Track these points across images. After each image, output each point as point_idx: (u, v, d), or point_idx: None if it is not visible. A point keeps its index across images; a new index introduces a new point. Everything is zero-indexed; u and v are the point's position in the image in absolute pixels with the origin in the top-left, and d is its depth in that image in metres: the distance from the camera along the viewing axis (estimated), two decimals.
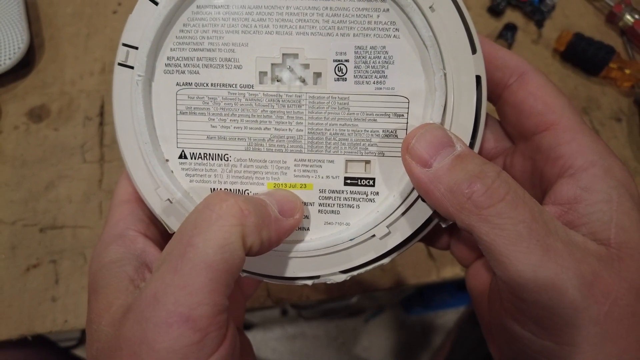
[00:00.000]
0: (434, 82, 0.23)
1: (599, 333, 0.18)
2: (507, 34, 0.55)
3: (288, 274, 0.25)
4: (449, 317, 1.48)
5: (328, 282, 0.25)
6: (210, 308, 0.18)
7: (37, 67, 0.53)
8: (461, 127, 0.23)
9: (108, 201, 0.47)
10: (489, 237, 0.19)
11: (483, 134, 0.24)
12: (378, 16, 0.24)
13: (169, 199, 0.24)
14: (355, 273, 0.25)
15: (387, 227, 0.24)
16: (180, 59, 0.25)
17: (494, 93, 0.24)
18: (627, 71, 0.54)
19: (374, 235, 0.24)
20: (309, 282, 0.25)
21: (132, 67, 0.24)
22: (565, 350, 0.18)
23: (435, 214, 0.24)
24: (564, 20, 0.59)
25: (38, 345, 0.53)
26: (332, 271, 0.25)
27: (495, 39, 0.56)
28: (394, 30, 0.24)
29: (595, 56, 0.54)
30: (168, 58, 0.25)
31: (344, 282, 0.25)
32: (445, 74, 0.23)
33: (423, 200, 0.23)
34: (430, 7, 0.23)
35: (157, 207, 0.24)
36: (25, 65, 0.53)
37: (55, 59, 0.54)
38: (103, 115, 0.51)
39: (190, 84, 0.25)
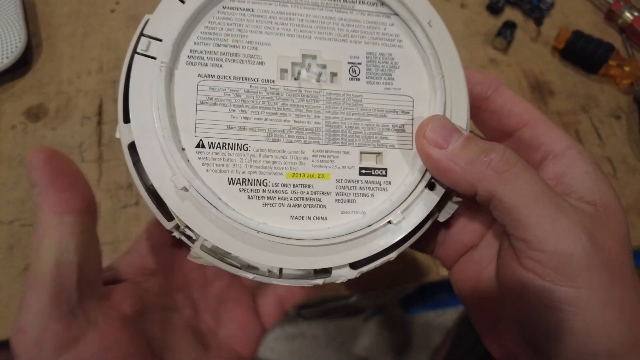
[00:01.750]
0: (435, 84, 0.27)
1: (608, 276, 0.21)
2: (506, 32, 0.55)
3: (303, 266, 0.25)
4: (448, 316, 1.48)
5: (338, 282, 0.26)
6: (40, 319, 0.21)
7: (34, 67, 0.53)
8: (457, 120, 0.26)
9: (106, 200, 0.46)
10: (510, 198, 0.22)
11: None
12: (385, 29, 0.28)
13: (185, 187, 0.23)
14: (365, 269, 0.26)
15: (402, 212, 0.25)
16: (204, 52, 0.26)
17: (474, 105, 0.28)
18: (626, 69, 0.54)
19: (390, 222, 0.25)
20: (320, 281, 0.25)
21: (154, 58, 0.25)
22: (583, 294, 0.21)
23: (448, 194, 0.26)
24: (562, 18, 0.59)
25: None
26: (347, 262, 0.25)
27: (494, 36, 0.56)
28: (398, 41, 0.28)
29: (594, 54, 0.54)
30: (191, 50, 0.25)
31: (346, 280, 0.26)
32: (443, 77, 0.27)
33: (432, 187, 0.26)
34: (428, 23, 0.27)
35: (170, 197, 0.24)
36: (22, 64, 0.52)
37: (52, 58, 0.54)
38: (101, 114, 0.51)
39: (212, 75, 0.25)
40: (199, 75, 0.25)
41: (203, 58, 0.26)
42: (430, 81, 0.27)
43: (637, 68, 0.53)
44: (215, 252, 0.25)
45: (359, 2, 0.28)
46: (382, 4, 0.28)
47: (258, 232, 0.24)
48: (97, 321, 0.23)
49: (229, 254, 0.25)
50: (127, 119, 0.24)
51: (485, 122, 0.29)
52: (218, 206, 0.24)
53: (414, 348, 1.43)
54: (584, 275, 0.21)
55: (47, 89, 0.52)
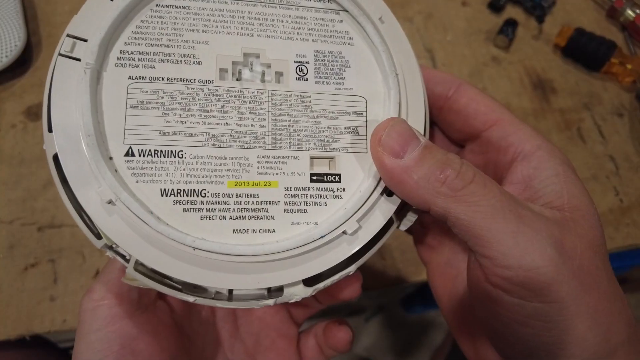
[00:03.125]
0: (389, 82, 0.25)
1: (577, 286, 0.20)
2: (508, 30, 0.55)
3: (250, 285, 0.23)
4: None
5: (291, 301, 0.23)
6: (104, 287, 0.27)
7: (34, 65, 0.53)
8: (414, 123, 0.24)
9: None
10: (467, 215, 0.20)
11: (430, 134, 0.26)
12: (334, 26, 0.26)
13: (111, 200, 0.21)
14: (321, 285, 0.23)
15: (357, 221, 0.23)
16: (135, 52, 0.23)
17: (436, 105, 0.27)
18: (629, 66, 0.53)
19: (344, 232, 0.23)
20: (271, 302, 0.23)
21: (78, 60, 0.23)
22: (554, 308, 0.19)
23: (404, 207, 0.24)
24: (564, 16, 0.59)
25: (37, 346, 0.52)
26: (300, 278, 0.23)
27: (495, 34, 0.55)
28: (348, 38, 0.26)
29: (597, 51, 0.54)
30: (121, 52, 0.23)
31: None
32: (397, 75, 0.25)
33: (390, 194, 0.24)
34: (379, 19, 0.26)
35: (95, 211, 0.21)
36: (22, 63, 0.52)
37: (52, 56, 0.54)
38: None
39: (144, 77, 0.23)
40: (130, 78, 0.23)
41: (134, 59, 0.23)
42: (384, 80, 0.26)
43: (639, 65, 0.53)
44: (154, 272, 0.22)
45: None
46: (330, 0, 0.27)
47: (194, 248, 0.21)
48: (148, 311, 0.28)
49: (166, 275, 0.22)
50: (50, 128, 0.22)
51: (450, 123, 0.28)
52: (148, 221, 0.21)
53: (414, 347, 1.43)
54: (552, 288, 0.19)
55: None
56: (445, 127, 0.29)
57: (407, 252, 0.44)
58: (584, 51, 0.54)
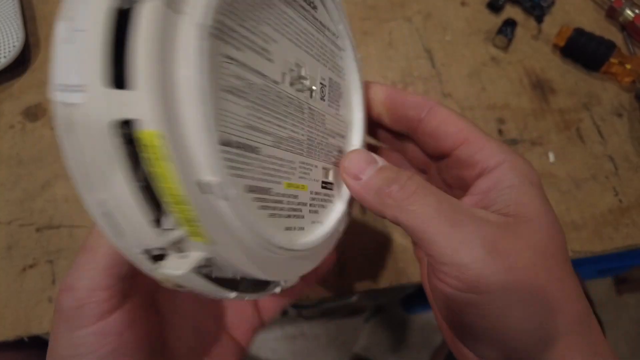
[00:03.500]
0: (359, 114, 0.31)
1: (509, 281, 0.22)
2: (507, 30, 0.55)
3: (293, 276, 0.26)
4: None
5: (287, 287, 0.26)
6: (89, 283, 0.23)
7: (32, 66, 0.53)
8: (356, 142, 0.31)
9: None
10: (408, 222, 0.24)
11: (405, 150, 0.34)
12: (337, 61, 0.30)
13: (212, 184, 0.18)
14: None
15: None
16: (228, 27, 0.20)
17: (411, 128, 0.30)
18: (628, 66, 0.53)
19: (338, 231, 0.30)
20: (278, 289, 0.25)
21: (180, 13, 0.17)
22: (484, 298, 0.22)
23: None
24: (563, 16, 0.59)
25: (36, 347, 0.52)
26: (312, 267, 0.27)
27: (494, 34, 0.55)
28: (342, 74, 0.31)
29: (596, 51, 0.53)
30: (215, 21, 0.19)
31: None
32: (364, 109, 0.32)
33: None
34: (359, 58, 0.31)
35: (194, 194, 0.17)
36: (20, 63, 0.52)
37: (51, 57, 0.54)
38: None
39: (236, 60, 0.20)
40: (223, 55, 0.19)
41: (227, 34, 0.20)
42: (357, 111, 0.31)
43: (638, 65, 0.53)
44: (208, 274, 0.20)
45: (328, 29, 0.29)
46: (338, 37, 0.30)
47: (279, 247, 0.22)
48: (130, 297, 0.25)
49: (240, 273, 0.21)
50: (121, 83, 0.16)
51: (423, 144, 0.31)
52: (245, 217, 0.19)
53: (414, 347, 1.43)
54: (481, 281, 0.22)
55: (46, 89, 0.52)
56: (421, 147, 0.31)
57: (408, 251, 0.44)
58: (583, 51, 0.54)
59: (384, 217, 0.26)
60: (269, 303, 0.35)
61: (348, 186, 0.27)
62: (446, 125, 0.28)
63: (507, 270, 0.23)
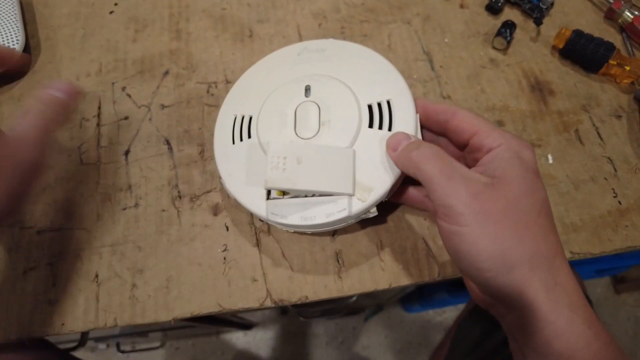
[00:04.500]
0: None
1: (482, 219, 0.32)
2: (506, 32, 0.55)
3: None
4: (448, 315, 1.48)
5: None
6: None
7: (33, 69, 0.53)
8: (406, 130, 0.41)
9: (105, 203, 0.46)
10: (421, 176, 0.35)
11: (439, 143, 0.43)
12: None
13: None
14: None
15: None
16: None
17: (442, 128, 0.40)
18: (627, 68, 0.53)
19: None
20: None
21: None
22: (464, 229, 0.32)
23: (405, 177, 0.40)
24: (562, 17, 0.59)
25: (38, 347, 0.52)
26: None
27: (493, 36, 0.55)
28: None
29: (595, 53, 0.53)
30: None
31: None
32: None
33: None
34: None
35: None
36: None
37: (51, 60, 0.54)
38: (100, 116, 0.51)
39: None
40: None
41: None
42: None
43: (637, 67, 0.53)
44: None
45: None
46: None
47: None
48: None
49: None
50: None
51: (452, 139, 0.40)
52: None
53: (414, 346, 1.43)
54: (461, 218, 0.32)
55: None
56: (450, 140, 0.41)
57: (408, 252, 0.44)
58: (582, 53, 0.54)
59: (409, 174, 0.36)
60: None
61: (390, 156, 0.39)
62: (463, 123, 0.38)
63: (481, 212, 0.32)
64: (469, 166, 0.37)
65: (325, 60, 0.45)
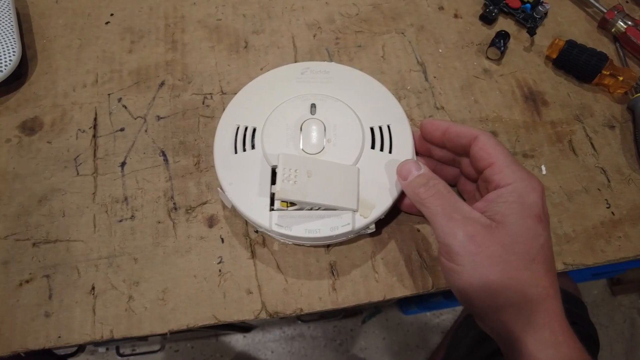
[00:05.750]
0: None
1: (475, 261, 0.34)
2: (499, 42, 0.55)
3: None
4: (445, 317, 1.49)
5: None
6: None
7: (29, 80, 0.53)
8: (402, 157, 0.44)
9: (101, 214, 0.46)
10: (426, 213, 0.37)
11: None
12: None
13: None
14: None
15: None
16: None
17: (464, 151, 0.41)
18: (620, 78, 0.54)
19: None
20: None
21: None
22: (460, 269, 0.35)
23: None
24: (555, 27, 0.59)
25: (35, 354, 0.52)
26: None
27: (487, 46, 0.56)
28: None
29: (588, 63, 0.54)
30: None
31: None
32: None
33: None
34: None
35: None
36: (17, 77, 0.52)
37: (47, 70, 0.54)
38: (96, 127, 0.51)
39: None
40: None
41: None
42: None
43: (630, 77, 0.54)
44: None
45: None
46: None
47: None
48: None
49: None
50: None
51: (471, 162, 0.41)
52: None
53: (411, 348, 1.44)
54: (458, 257, 0.35)
55: (42, 102, 0.52)
56: (470, 162, 0.41)
57: (399, 265, 0.45)
58: (576, 63, 0.55)
59: (416, 207, 0.39)
60: None
61: (400, 183, 0.40)
62: (483, 151, 0.38)
63: (476, 254, 0.34)
64: (482, 193, 0.41)
65: (328, 82, 0.47)
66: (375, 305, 1.45)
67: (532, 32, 0.57)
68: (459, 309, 1.44)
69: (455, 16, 0.59)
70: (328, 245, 0.45)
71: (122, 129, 0.51)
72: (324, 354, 1.43)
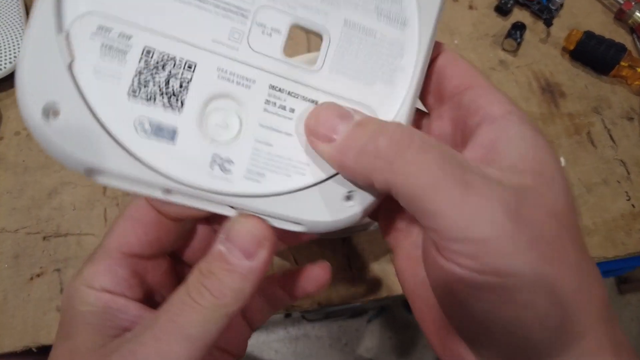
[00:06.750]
0: None
1: (536, 258, 0.18)
2: (516, 33, 0.54)
3: None
4: None
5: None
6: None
7: None
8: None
9: (112, 207, 0.46)
10: (406, 187, 0.19)
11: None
12: None
13: None
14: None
15: None
16: None
17: None
18: (638, 70, 0.53)
19: None
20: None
21: None
22: (509, 281, 0.18)
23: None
24: (571, 19, 0.58)
25: (47, 349, 0.52)
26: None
27: (503, 38, 0.55)
28: None
29: (606, 55, 0.53)
30: None
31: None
32: None
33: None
34: None
35: None
36: None
37: None
38: None
39: None
40: None
41: None
42: None
43: None
44: None
45: None
46: None
47: None
48: None
49: None
50: None
51: (426, 85, 0.25)
52: None
53: (417, 348, 1.43)
54: (506, 260, 0.18)
55: None
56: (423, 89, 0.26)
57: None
58: (593, 54, 0.54)
59: (372, 186, 0.20)
60: (257, 313, 0.32)
61: (320, 153, 0.22)
62: (454, 65, 0.24)
63: (535, 246, 0.18)
64: (436, 135, 0.26)
65: None
66: (380, 305, 1.44)
67: (548, 24, 0.56)
68: None
69: (470, 7, 0.58)
70: (344, 239, 0.44)
71: None
72: (329, 354, 1.42)
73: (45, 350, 0.42)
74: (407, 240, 0.26)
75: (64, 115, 0.20)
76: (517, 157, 0.20)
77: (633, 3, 0.57)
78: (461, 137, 0.24)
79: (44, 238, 0.44)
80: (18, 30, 0.51)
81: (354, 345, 1.43)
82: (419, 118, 0.27)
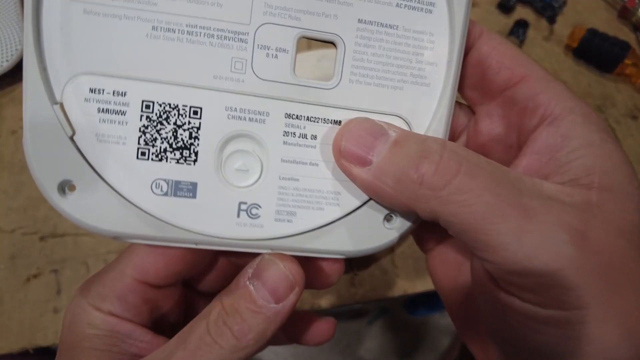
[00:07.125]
0: None
1: (606, 287, 0.16)
2: (519, 31, 0.54)
3: None
4: None
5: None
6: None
7: None
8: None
9: None
10: (456, 218, 0.17)
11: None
12: None
13: None
14: None
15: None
16: None
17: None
18: None
19: None
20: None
21: None
22: (575, 315, 0.16)
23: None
24: (574, 16, 0.58)
25: (41, 355, 0.51)
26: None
27: (506, 36, 0.54)
28: None
29: (610, 52, 0.53)
30: None
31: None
32: None
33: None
34: None
35: None
36: (22, 68, 0.51)
37: None
38: None
39: None
40: None
41: None
42: None
43: None
44: None
45: None
46: None
47: None
48: None
49: None
50: None
51: (466, 78, 0.22)
52: None
53: (419, 350, 1.42)
54: (573, 293, 0.16)
55: None
56: (461, 83, 0.23)
57: (420, 260, 0.43)
58: (597, 52, 0.53)
59: (412, 214, 0.19)
60: None
61: (352, 177, 0.20)
62: (500, 54, 0.21)
63: (604, 274, 0.16)
64: (485, 138, 0.23)
65: None
66: (382, 306, 1.44)
67: (551, 21, 0.56)
68: None
69: (473, 4, 0.57)
70: None
71: None
72: (330, 355, 1.42)
73: (42, 351, 0.42)
74: (441, 244, 0.25)
75: (80, 189, 0.20)
76: (580, 169, 0.18)
77: (637, 0, 0.56)
78: (517, 139, 0.22)
79: (41, 238, 0.44)
80: (14, 29, 0.50)
81: (354, 346, 1.43)
82: (459, 113, 0.24)
